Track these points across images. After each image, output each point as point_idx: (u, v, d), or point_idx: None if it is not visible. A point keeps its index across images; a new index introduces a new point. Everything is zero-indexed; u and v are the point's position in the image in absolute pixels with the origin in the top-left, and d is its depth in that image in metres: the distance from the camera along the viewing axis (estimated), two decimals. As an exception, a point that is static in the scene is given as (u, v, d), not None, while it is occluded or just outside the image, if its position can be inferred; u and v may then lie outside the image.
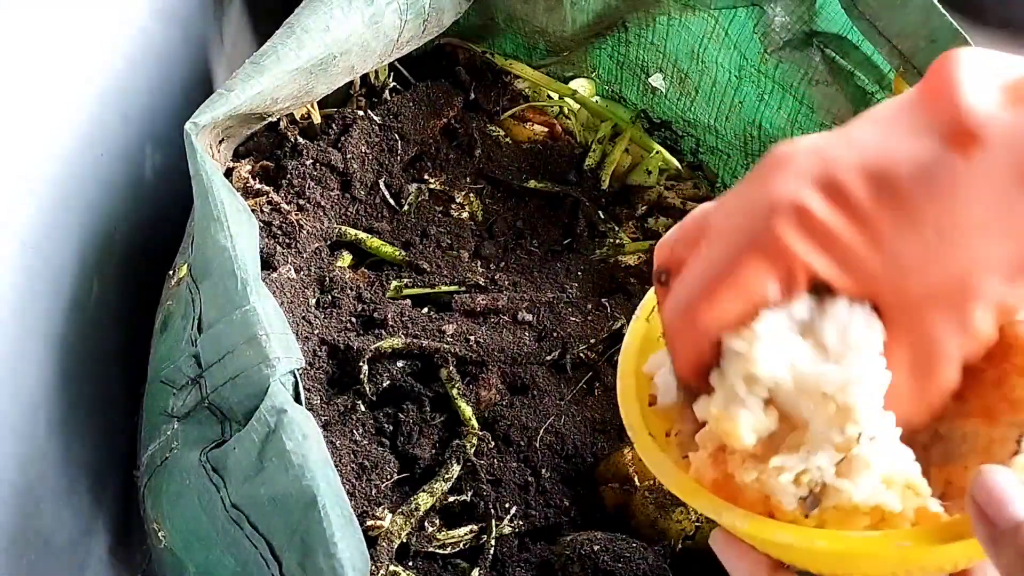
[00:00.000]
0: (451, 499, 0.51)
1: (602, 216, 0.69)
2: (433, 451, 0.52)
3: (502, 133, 0.70)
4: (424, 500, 0.49)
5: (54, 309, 0.48)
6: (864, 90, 0.60)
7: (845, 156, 0.28)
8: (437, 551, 0.49)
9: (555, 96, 0.75)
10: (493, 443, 0.52)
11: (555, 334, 0.58)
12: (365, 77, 0.68)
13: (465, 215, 0.66)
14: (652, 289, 0.37)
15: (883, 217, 0.27)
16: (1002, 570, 0.25)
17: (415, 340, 0.55)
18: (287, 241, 0.58)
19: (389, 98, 0.69)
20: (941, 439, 0.34)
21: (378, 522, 0.47)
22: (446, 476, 0.50)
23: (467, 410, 0.53)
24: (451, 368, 0.55)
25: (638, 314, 0.38)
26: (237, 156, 0.61)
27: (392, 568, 0.46)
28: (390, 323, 0.56)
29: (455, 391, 0.54)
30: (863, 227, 0.28)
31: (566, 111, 0.75)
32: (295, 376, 0.43)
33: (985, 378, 0.32)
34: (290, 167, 0.61)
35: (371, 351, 0.55)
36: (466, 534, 0.50)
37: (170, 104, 0.60)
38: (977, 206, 0.27)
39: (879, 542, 0.28)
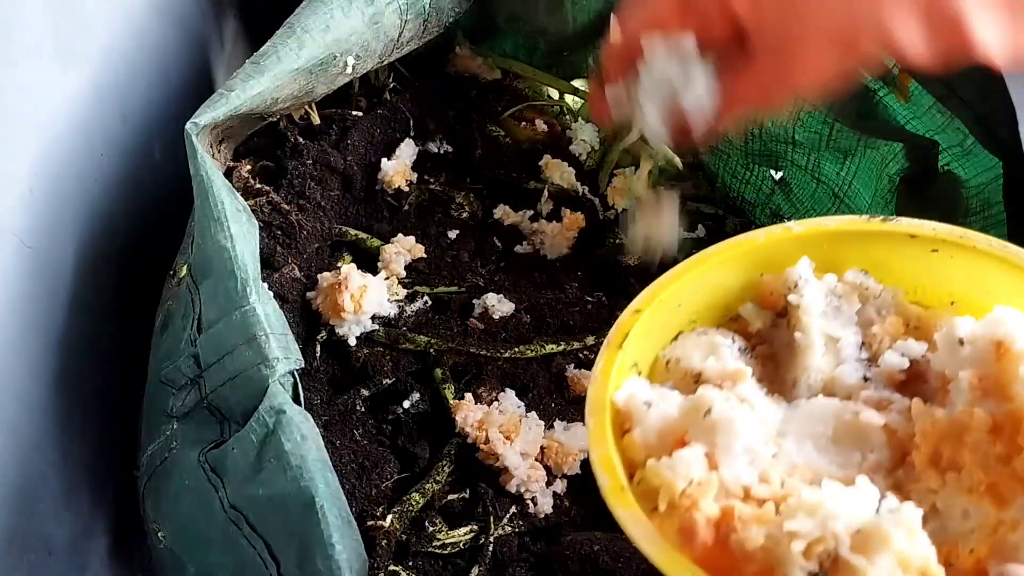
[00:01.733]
0: (451, 497, 0.51)
1: (602, 216, 0.69)
2: (434, 451, 0.52)
3: (502, 133, 0.70)
4: (416, 500, 0.49)
5: (54, 309, 0.48)
6: (867, 86, 0.60)
7: None
8: (437, 551, 0.49)
9: (555, 95, 0.75)
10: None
11: (555, 334, 0.58)
12: (365, 77, 0.68)
13: (465, 215, 0.66)
14: (622, 317, 0.38)
15: None
16: None
17: (415, 340, 0.55)
18: (287, 241, 0.58)
19: (389, 98, 0.69)
20: (938, 513, 0.33)
21: (378, 522, 0.47)
22: (436, 477, 0.50)
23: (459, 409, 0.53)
24: (446, 369, 0.55)
25: (610, 340, 0.37)
26: (237, 156, 0.61)
27: (392, 568, 0.46)
28: (391, 323, 0.56)
29: (449, 392, 0.54)
30: None
31: (566, 111, 0.75)
32: (294, 377, 0.43)
33: (991, 452, 0.32)
34: (290, 167, 0.61)
35: (371, 351, 0.55)
36: (466, 534, 0.50)
37: (170, 104, 0.60)
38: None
39: None
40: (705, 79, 0.43)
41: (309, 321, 0.55)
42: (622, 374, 0.36)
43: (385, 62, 0.64)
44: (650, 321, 0.38)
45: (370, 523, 0.47)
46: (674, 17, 0.43)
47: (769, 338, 0.40)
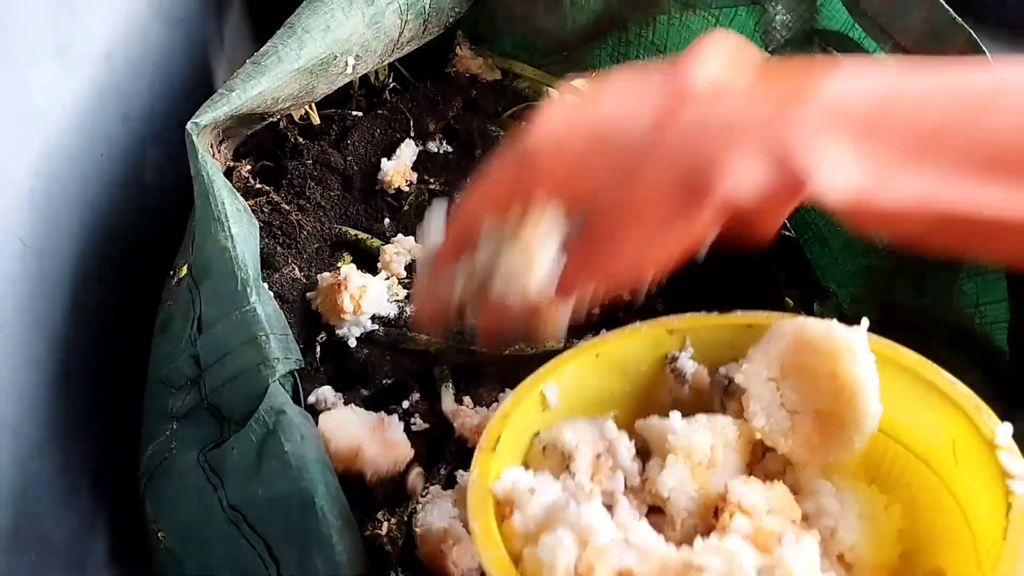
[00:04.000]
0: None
1: (603, 216, 0.69)
2: (434, 451, 0.52)
3: (502, 133, 0.70)
4: (412, 504, 0.49)
5: (54, 309, 0.48)
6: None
7: (582, 117, 0.38)
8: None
9: (555, 95, 0.75)
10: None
11: (555, 334, 0.58)
12: (365, 77, 0.68)
13: (465, 215, 0.66)
14: (491, 423, 0.41)
15: (590, 160, 0.37)
16: None
17: (416, 340, 0.55)
18: (287, 241, 0.58)
19: (389, 98, 0.69)
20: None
21: (378, 523, 0.47)
22: (433, 480, 0.50)
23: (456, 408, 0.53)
24: (446, 368, 0.55)
25: (482, 445, 0.39)
26: (237, 156, 0.61)
27: (391, 571, 0.46)
28: (391, 323, 0.56)
29: (448, 391, 0.54)
30: (575, 167, 0.38)
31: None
32: (294, 377, 0.43)
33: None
34: (290, 167, 0.61)
35: (371, 351, 0.55)
36: (466, 534, 0.50)
37: (170, 104, 0.60)
38: (651, 165, 0.36)
39: None
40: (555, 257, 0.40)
41: (309, 321, 0.55)
42: (497, 471, 0.38)
43: (385, 62, 0.64)
44: (520, 421, 0.41)
45: (369, 525, 0.47)
46: (510, 198, 0.40)
47: None
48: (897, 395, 0.38)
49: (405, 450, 0.50)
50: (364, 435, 0.49)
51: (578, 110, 0.39)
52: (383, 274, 0.58)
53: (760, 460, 0.42)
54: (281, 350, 0.42)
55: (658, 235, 0.36)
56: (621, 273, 0.39)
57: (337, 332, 0.55)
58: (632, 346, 0.44)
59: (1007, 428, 0.35)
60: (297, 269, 0.56)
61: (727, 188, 0.34)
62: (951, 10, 0.52)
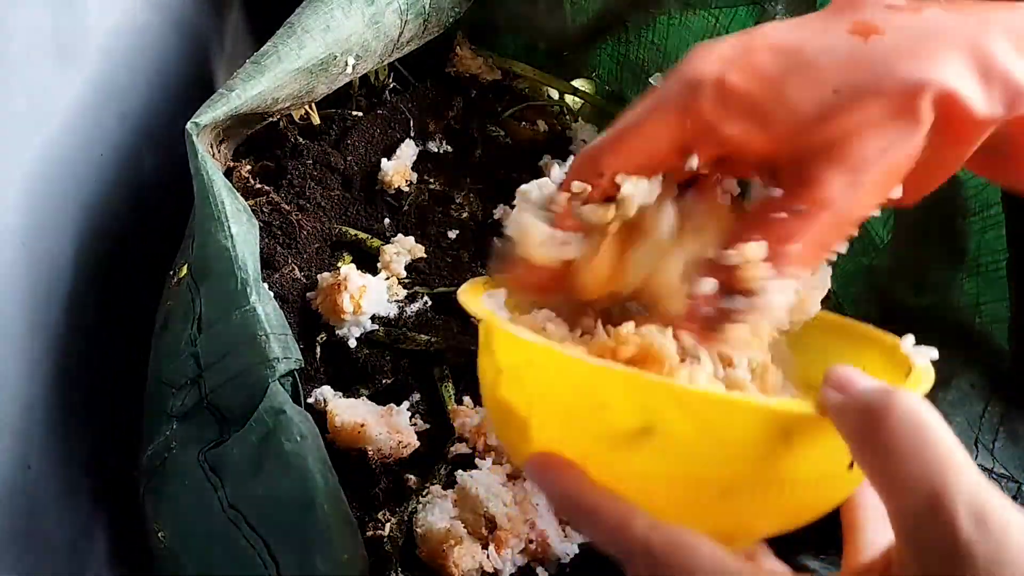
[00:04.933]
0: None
1: (603, 216, 0.69)
2: (435, 450, 0.52)
3: (502, 133, 0.70)
4: (412, 504, 0.49)
5: (54, 309, 0.48)
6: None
7: (759, 39, 0.33)
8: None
9: (555, 95, 0.75)
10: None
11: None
12: (365, 77, 0.68)
13: (465, 215, 0.66)
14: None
15: (789, 81, 0.32)
16: (848, 431, 0.28)
17: (416, 339, 0.55)
18: (287, 241, 0.58)
19: (389, 98, 0.69)
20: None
21: (378, 525, 0.47)
22: (433, 480, 0.50)
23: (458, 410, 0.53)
24: (446, 368, 0.55)
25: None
26: (237, 156, 0.61)
27: (391, 572, 0.46)
28: (391, 323, 0.56)
29: (448, 391, 0.54)
30: (771, 91, 0.32)
31: (566, 111, 0.75)
32: (294, 377, 0.43)
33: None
34: (290, 167, 0.61)
35: (371, 351, 0.55)
36: (466, 534, 0.50)
37: (170, 104, 0.60)
38: (870, 75, 0.32)
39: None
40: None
41: (309, 321, 0.56)
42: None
43: (385, 62, 0.64)
44: None
45: (369, 525, 0.47)
46: (673, 156, 0.34)
47: None
48: (821, 351, 0.39)
49: (410, 438, 0.50)
50: (370, 415, 0.49)
51: (747, 35, 0.34)
52: (383, 274, 0.59)
53: None
54: (281, 350, 0.42)
55: (879, 163, 0.32)
56: (842, 225, 0.33)
57: (337, 332, 0.55)
58: None
59: (909, 337, 0.36)
60: (297, 269, 0.56)
61: (943, 83, 0.31)
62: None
